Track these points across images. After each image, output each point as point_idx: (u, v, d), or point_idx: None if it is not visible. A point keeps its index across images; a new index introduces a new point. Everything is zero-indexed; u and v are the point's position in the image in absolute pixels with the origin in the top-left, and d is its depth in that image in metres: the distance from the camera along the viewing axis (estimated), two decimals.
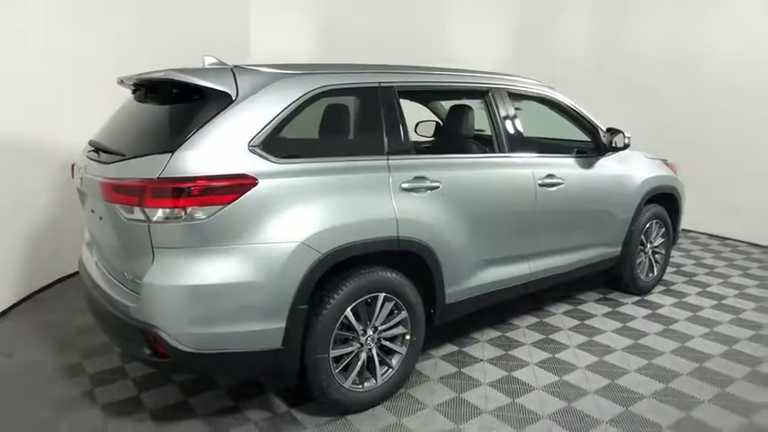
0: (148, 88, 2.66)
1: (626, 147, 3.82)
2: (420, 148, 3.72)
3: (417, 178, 2.73)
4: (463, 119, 3.33)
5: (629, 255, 4.12)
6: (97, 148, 2.55)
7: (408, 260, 2.76)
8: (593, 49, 7.17)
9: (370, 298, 2.62)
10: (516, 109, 4.02)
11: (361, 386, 2.66)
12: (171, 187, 2.13)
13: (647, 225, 4.23)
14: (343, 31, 6.99)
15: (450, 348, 3.40)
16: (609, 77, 6.90)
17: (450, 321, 3.16)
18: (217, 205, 2.18)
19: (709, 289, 4.51)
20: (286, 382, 2.80)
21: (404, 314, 2.76)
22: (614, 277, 4.28)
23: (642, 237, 4.21)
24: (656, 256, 4.45)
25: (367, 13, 7.10)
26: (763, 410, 2.74)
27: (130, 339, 2.32)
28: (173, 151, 2.18)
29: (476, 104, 3.66)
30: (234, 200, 2.21)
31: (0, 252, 3.77)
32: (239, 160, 2.25)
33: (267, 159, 2.31)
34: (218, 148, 2.23)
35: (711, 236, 6.28)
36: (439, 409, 2.74)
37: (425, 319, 2.89)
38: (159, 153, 2.20)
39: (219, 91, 2.32)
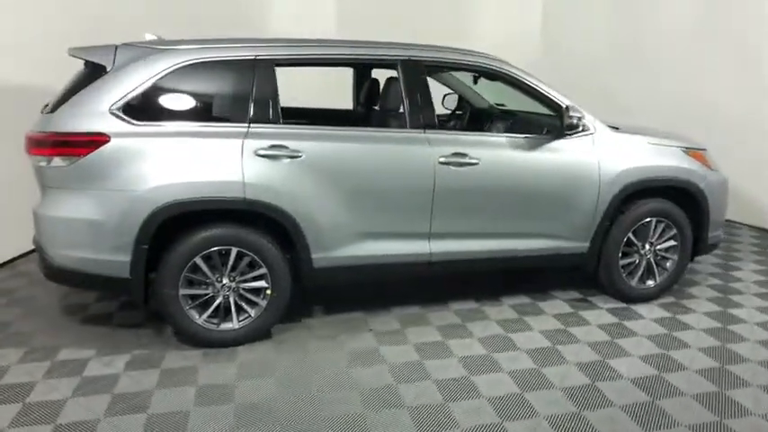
0: None
1: (572, 128, 3.32)
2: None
3: (275, 146, 2.92)
4: (382, 92, 3.34)
5: (604, 253, 3.60)
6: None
7: (269, 222, 2.99)
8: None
9: (224, 250, 2.95)
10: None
11: (216, 326, 3.04)
12: (40, 139, 2.75)
13: (641, 223, 3.61)
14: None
15: (356, 315, 3.52)
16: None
17: (350, 287, 3.30)
18: (76, 156, 2.74)
19: (731, 310, 3.67)
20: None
21: (263, 270, 3.02)
22: (589, 277, 3.79)
23: (631, 235, 3.62)
24: (667, 262, 3.76)
25: None
26: None
27: (38, 255, 3.06)
28: (53, 111, 2.80)
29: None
30: (90, 152, 2.73)
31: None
32: (98, 121, 2.75)
33: (125, 121, 2.77)
34: (83, 110, 2.76)
35: None
36: (283, 360, 2.97)
37: (296, 279, 3.12)
38: (50, 112, 2.84)
39: (97, 64, 2.85)
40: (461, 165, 3.19)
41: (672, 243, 3.73)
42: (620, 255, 3.63)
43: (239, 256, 2.98)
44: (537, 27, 7.32)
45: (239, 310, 3.07)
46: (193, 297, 2.99)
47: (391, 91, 3.34)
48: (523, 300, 3.79)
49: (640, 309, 3.68)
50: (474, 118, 4.54)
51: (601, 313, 3.61)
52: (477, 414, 2.53)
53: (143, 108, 2.83)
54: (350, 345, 3.15)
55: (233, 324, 3.06)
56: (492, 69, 3.39)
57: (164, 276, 2.89)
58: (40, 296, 3.73)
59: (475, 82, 4.11)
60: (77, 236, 2.82)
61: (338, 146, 3.04)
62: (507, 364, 2.96)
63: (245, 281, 3.04)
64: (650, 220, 3.63)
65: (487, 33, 6.98)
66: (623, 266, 3.68)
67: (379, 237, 3.19)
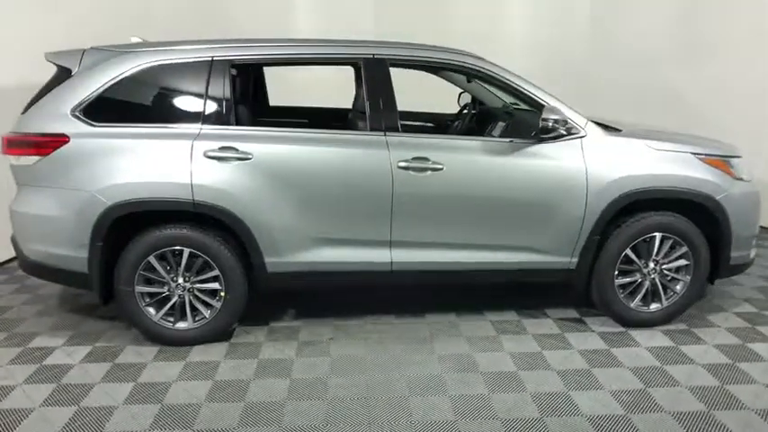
0: None
1: (547, 131, 2.98)
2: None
3: (224, 148, 2.90)
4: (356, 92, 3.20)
5: (597, 270, 3.23)
6: None
7: (220, 224, 2.98)
8: None
9: (177, 250, 2.98)
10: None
11: (171, 324, 3.08)
12: (11, 140, 2.92)
13: (642, 238, 3.19)
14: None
15: (325, 321, 3.43)
16: None
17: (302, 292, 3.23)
18: (39, 155, 2.88)
19: (752, 345, 3.15)
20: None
21: (216, 272, 3.02)
22: (581, 296, 3.42)
23: (630, 252, 3.22)
24: (677, 283, 3.31)
25: None
26: None
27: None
28: (25, 113, 2.97)
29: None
30: (50, 152, 2.87)
31: None
32: (60, 122, 2.88)
33: (84, 123, 2.88)
34: (47, 112, 2.90)
35: None
36: (229, 364, 2.95)
37: (252, 283, 3.09)
38: (22, 114, 3.01)
39: (64, 67, 2.98)
40: (422, 170, 2.99)
41: (683, 262, 3.27)
42: (615, 272, 3.23)
43: (193, 257, 3.00)
44: (586, 26, 6.75)
45: (195, 310, 3.10)
46: (151, 295, 3.06)
47: (360, 91, 3.20)
48: (509, 316, 3.50)
49: (639, 335, 3.27)
50: (482, 119, 4.26)
51: (589, 337, 3.25)
52: None
53: (102, 110, 2.92)
54: (303, 353, 3.06)
55: (188, 324, 3.09)
56: (465, 67, 3.14)
57: (120, 273, 2.98)
58: (48, 284, 3.99)
59: (468, 81, 3.85)
60: (43, 231, 2.97)
61: (290, 148, 2.96)
62: (456, 387, 2.73)
63: (200, 282, 3.06)
64: (654, 236, 3.20)
65: (530, 34, 6.59)
66: (622, 286, 3.29)
67: (336, 243, 3.07)
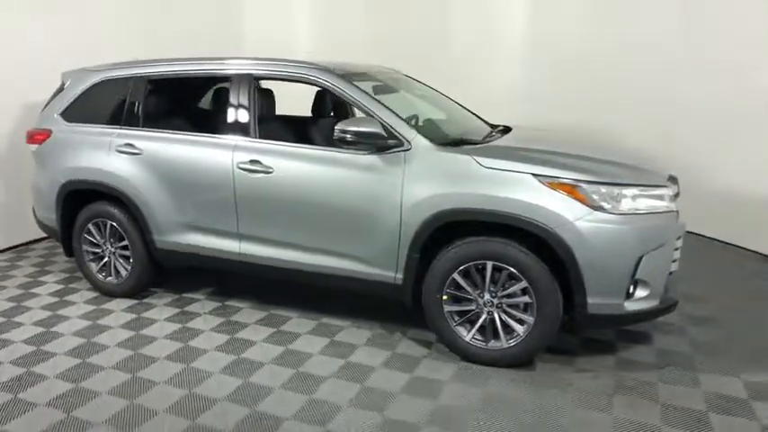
0: None
1: (344, 143, 2.96)
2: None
3: (127, 144, 3.70)
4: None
5: (425, 292, 3.06)
6: None
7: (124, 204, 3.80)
8: None
9: (107, 222, 3.90)
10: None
11: (103, 278, 4.02)
12: (28, 133, 4.21)
13: (473, 264, 2.92)
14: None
15: (225, 302, 3.97)
16: None
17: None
18: (38, 144, 4.11)
19: (594, 414, 2.59)
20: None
21: (126, 242, 3.85)
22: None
23: (459, 277, 2.96)
24: (523, 324, 2.92)
25: None
26: None
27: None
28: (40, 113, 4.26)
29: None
30: (42, 141, 4.07)
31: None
32: (50, 121, 4.06)
33: (63, 122, 4.01)
34: (46, 114, 4.12)
35: None
36: (112, 315, 3.75)
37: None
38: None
39: (62, 82, 4.16)
40: (255, 171, 3.31)
41: (527, 299, 2.86)
42: (441, 297, 3.01)
43: (114, 228, 3.88)
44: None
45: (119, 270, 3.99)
46: (93, 253, 4.04)
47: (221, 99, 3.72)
48: (340, 322, 3.51)
49: (470, 373, 2.97)
50: None
51: (402, 361, 3.09)
52: None
53: (72, 113, 4.01)
54: (171, 320, 3.66)
55: (113, 279, 3.99)
56: (314, 80, 3.32)
57: (73, 234, 4.03)
58: None
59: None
60: (40, 198, 4.20)
61: (165, 147, 3.62)
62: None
63: (121, 248, 3.92)
64: (485, 264, 2.89)
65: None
66: (458, 313, 3.04)
67: (201, 230, 3.61)
